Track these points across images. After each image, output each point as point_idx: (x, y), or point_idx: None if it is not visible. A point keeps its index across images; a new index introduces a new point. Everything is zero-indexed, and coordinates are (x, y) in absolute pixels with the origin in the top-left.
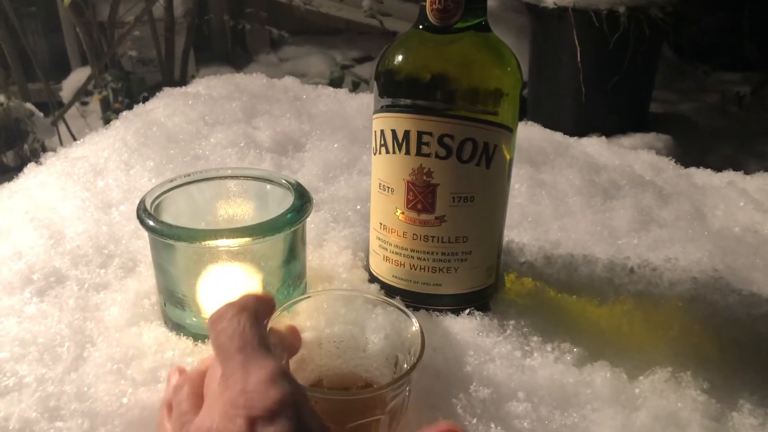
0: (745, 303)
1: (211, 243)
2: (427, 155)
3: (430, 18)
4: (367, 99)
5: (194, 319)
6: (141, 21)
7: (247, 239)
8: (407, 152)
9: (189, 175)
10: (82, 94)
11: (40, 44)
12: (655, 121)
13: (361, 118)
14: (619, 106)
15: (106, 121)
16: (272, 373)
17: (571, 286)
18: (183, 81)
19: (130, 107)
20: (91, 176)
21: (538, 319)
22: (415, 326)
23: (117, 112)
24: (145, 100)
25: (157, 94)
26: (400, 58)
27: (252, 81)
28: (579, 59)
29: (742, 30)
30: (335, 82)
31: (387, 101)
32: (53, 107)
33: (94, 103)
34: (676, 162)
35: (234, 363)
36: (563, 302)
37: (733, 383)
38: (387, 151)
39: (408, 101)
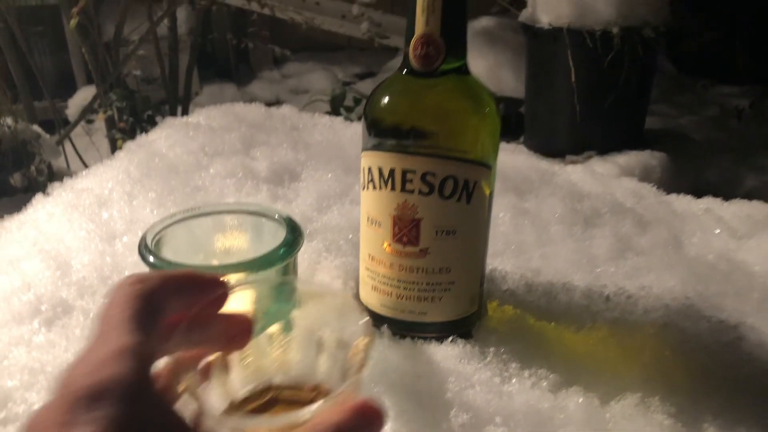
0: (714, 330)
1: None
2: (411, 191)
3: (413, 63)
4: (360, 128)
5: None
6: (145, 41)
7: (241, 274)
8: (393, 188)
9: (188, 210)
10: (87, 113)
11: (46, 63)
12: (650, 138)
13: (355, 147)
14: (614, 124)
15: (111, 140)
16: (117, 349)
17: (550, 314)
18: (187, 99)
19: (134, 126)
20: (96, 207)
21: (517, 345)
22: (365, 335)
23: (122, 131)
24: (150, 118)
25: (160, 123)
26: (385, 103)
27: (251, 111)
28: (573, 79)
29: (732, 44)
30: (337, 100)
31: (374, 141)
32: (59, 125)
33: (99, 121)
34: (671, 176)
35: (90, 334)
36: (542, 329)
37: (698, 408)
38: (374, 187)
39: (393, 141)
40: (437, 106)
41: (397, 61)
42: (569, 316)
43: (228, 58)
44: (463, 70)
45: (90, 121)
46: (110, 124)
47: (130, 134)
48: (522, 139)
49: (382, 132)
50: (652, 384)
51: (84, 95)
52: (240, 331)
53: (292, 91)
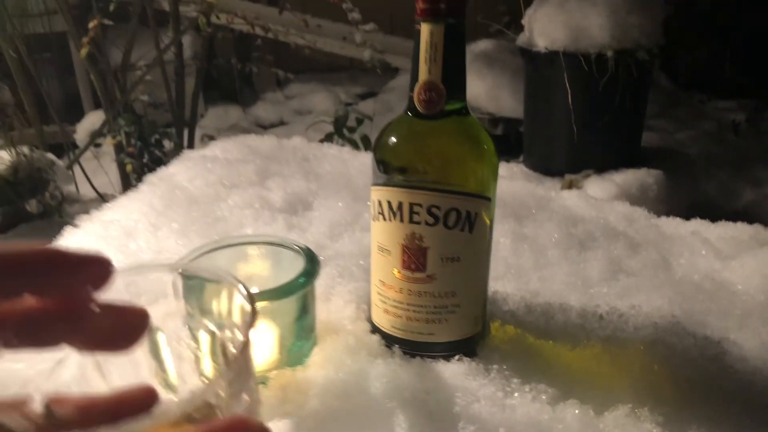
0: (699, 345)
1: None
2: (418, 223)
3: (417, 107)
4: (368, 159)
5: None
6: (153, 67)
7: (265, 302)
8: (401, 220)
9: (214, 242)
10: (96, 137)
11: (54, 88)
12: (647, 155)
13: (362, 177)
14: (610, 144)
15: (120, 164)
16: None
17: (548, 332)
18: (193, 122)
19: (142, 150)
20: (124, 238)
21: (518, 362)
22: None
23: (130, 155)
24: (158, 142)
25: (178, 157)
26: (393, 144)
27: (263, 142)
28: (570, 100)
29: (725, 59)
30: (340, 120)
31: (383, 177)
32: (68, 149)
33: (107, 145)
34: (668, 193)
35: None
36: (541, 347)
37: (684, 417)
38: (384, 219)
39: (401, 178)
40: (441, 148)
41: (398, 81)
42: (566, 335)
43: (232, 81)
44: (464, 112)
45: (98, 145)
46: (119, 148)
47: (139, 158)
48: (521, 158)
49: (391, 170)
50: (642, 396)
51: (92, 119)
52: (130, 326)
53: (295, 112)
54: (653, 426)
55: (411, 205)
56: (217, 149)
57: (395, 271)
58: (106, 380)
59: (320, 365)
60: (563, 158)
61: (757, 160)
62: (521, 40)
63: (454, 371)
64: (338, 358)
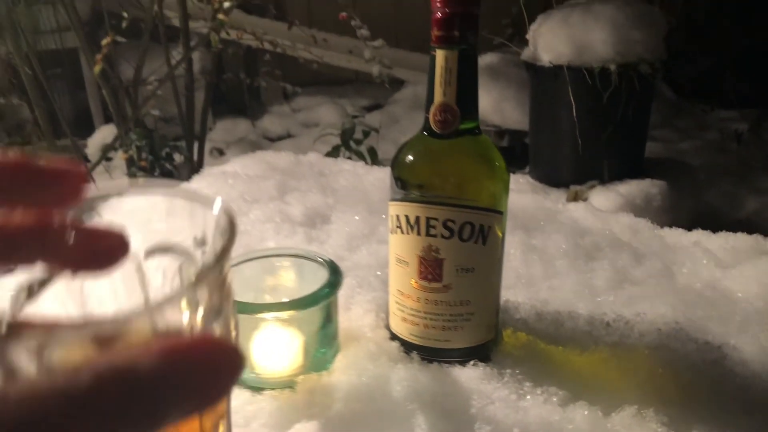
0: (701, 350)
1: (265, 314)
2: (434, 236)
3: (432, 127)
4: (381, 173)
5: (251, 374)
6: (164, 82)
7: (291, 312)
8: (418, 233)
9: (242, 255)
10: (108, 151)
11: (65, 103)
12: (650, 165)
13: (376, 191)
14: (614, 155)
15: (131, 177)
16: None
17: (557, 339)
18: (202, 135)
19: (154, 164)
20: None
21: (530, 367)
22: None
23: (142, 169)
24: (168, 155)
25: (199, 173)
26: (410, 162)
27: (281, 159)
28: (575, 113)
29: (727, 70)
30: (347, 133)
31: (401, 193)
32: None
33: (118, 159)
34: (672, 203)
35: None
36: (551, 353)
37: (688, 418)
38: (402, 232)
39: (418, 194)
40: (456, 166)
41: (403, 94)
42: (574, 341)
43: (240, 94)
44: (476, 131)
45: (108, 159)
46: (130, 162)
47: (150, 172)
48: (527, 169)
49: (408, 186)
50: (647, 398)
51: (103, 134)
52: (110, 246)
53: (302, 125)
54: (658, 426)
55: (428, 219)
56: (237, 165)
57: (413, 282)
58: (84, 309)
59: (344, 370)
60: (568, 169)
61: (760, 170)
62: (526, 54)
63: (469, 375)
64: (360, 363)
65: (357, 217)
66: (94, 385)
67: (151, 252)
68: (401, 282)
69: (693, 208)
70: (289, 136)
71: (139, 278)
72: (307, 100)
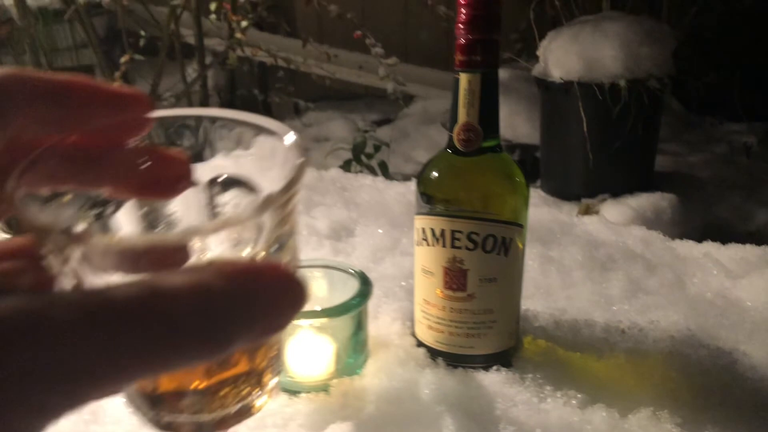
0: (713, 356)
1: (300, 321)
2: (459, 248)
3: (456, 145)
4: (401, 188)
5: (287, 378)
6: (180, 98)
7: (325, 319)
8: (443, 245)
9: None
10: None
11: None
12: (660, 179)
13: (398, 205)
14: (624, 169)
15: None
16: None
17: (575, 345)
18: None
19: None
20: None
21: (550, 372)
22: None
23: None
24: None
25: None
26: (435, 178)
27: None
28: (585, 128)
29: (735, 83)
30: (358, 147)
31: (427, 207)
32: None
33: None
34: (681, 216)
35: None
36: (569, 358)
37: (700, 419)
38: (428, 244)
39: (443, 208)
40: (479, 182)
41: (413, 108)
42: (591, 347)
43: (253, 110)
44: (497, 149)
45: None
46: None
47: None
48: (538, 182)
49: (434, 201)
50: (662, 400)
51: None
52: (173, 174)
53: (313, 139)
54: (673, 426)
55: (453, 232)
56: None
57: (438, 291)
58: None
59: (374, 375)
60: (579, 183)
61: None
62: (537, 70)
63: (493, 380)
64: (390, 368)
65: (380, 230)
66: (166, 300)
67: (219, 182)
68: (427, 291)
69: (703, 221)
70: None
71: (208, 210)
72: (318, 115)
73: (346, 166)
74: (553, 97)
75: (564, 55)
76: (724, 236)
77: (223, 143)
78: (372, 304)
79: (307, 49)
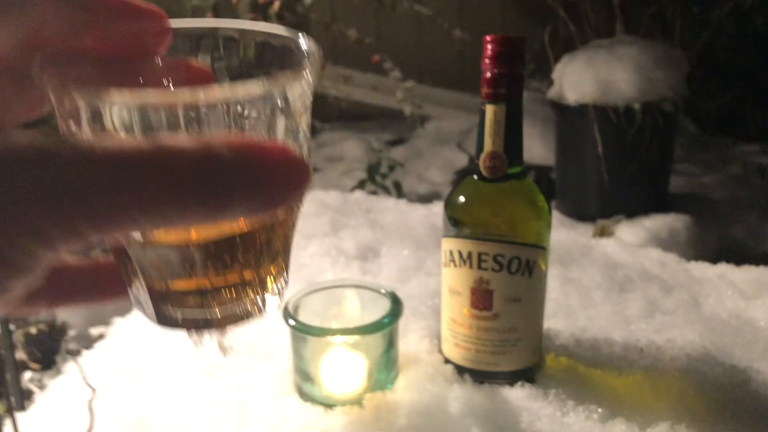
0: (727, 373)
1: (334, 338)
2: (485, 269)
3: (483, 172)
4: (424, 211)
5: (323, 392)
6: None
7: (358, 337)
8: (470, 267)
9: (310, 286)
10: None
11: None
12: (675, 200)
13: (422, 227)
14: (639, 190)
15: None
16: None
17: (595, 363)
18: None
19: None
20: None
21: (572, 388)
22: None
23: None
24: None
25: None
26: (462, 203)
27: (330, 197)
28: (600, 150)
29: (748, 103)
30: (373, 168)
31: (454, 230)
32: None
33: None
34: (696, 237)
35: None
36: (590, 375)
37: None
38: (455, 266)
39: (469, 231)
40: (505, 207)
41: (426, 128)
42: (611, 365)
43: None
44: (521, 175)
45: None
46: None
47: None
48: (554, 204)
49: (461, 225)
50: (679, 415)
51: None
52: (196, 78)
53: (327, 160)
54: None
55: (479, 254)
56: None
57: (465, 311)
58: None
59: (405, 390)
60: (595, 204)
61: None
62: (552, 93)
63: (518, 395)
64: (420, 384)
65: (406, 252)
66: (171, 154)
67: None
68: (454, 311)
69: (718, 242)
70: (315, 170)
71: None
72: (332, 135)
73: (360, 186)
74: (568, 120)
75: (579, 79)
76: (738, 257)
77: (245, 54)
78: (401, 322)
79: (328, 72)
